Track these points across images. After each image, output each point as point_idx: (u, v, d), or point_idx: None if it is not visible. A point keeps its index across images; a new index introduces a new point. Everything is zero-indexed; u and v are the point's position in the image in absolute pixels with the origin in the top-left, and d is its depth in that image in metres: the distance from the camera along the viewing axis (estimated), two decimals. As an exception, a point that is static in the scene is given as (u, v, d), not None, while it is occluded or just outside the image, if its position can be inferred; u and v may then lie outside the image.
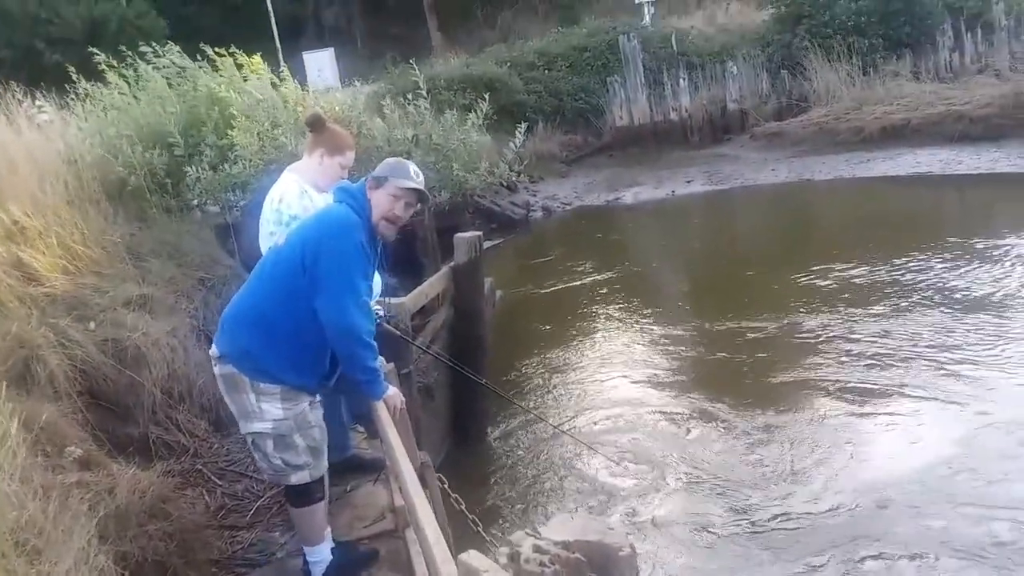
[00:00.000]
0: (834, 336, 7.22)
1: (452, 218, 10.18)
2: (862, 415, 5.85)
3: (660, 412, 6.34)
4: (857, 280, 8.52)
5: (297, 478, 3.16)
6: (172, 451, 4.63)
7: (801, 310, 7.93)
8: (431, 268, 8.85)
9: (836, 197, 13.34)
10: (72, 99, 7.95)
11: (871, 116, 15.79)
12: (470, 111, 8.76)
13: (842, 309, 7.78)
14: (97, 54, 7.51)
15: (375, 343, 3.10)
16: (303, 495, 3.22)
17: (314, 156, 3.95)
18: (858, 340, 7.03)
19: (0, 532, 2.23)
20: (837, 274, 8.75)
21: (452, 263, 6.42)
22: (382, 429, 3.12)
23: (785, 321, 7.72)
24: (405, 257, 8.90)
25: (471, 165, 8.42)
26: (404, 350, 4.70)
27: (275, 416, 3.04)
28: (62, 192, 5.68)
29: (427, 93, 8.55)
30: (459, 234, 6.55)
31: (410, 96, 8.79)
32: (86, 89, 7.71)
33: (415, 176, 3.21)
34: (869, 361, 6.61)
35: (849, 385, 6.28)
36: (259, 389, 3.01)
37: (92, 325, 4.61)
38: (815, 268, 9.03)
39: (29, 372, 3.82)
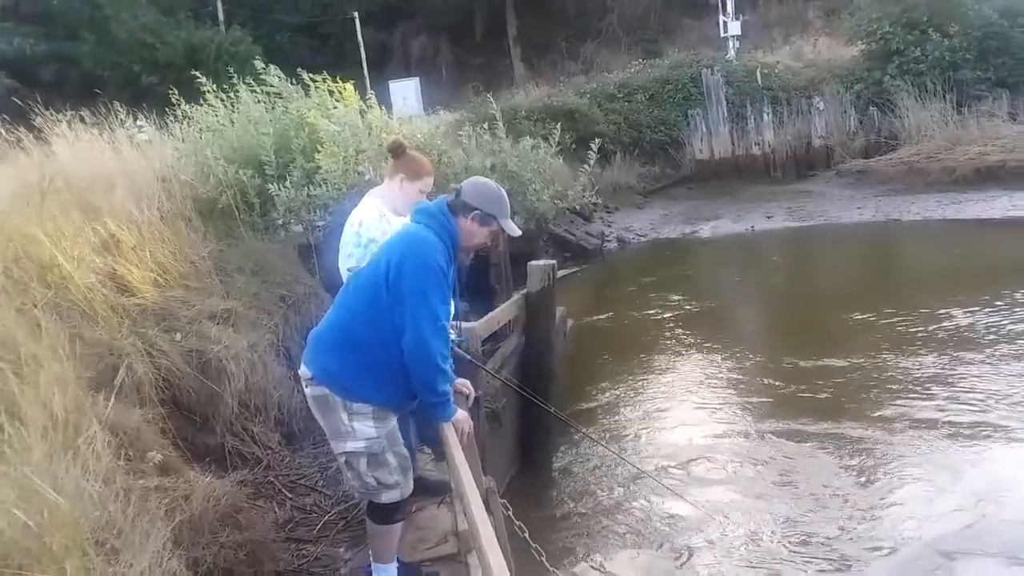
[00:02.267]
0: (920, 378, 6.96)
1: (526, 245, 10.25)
2: (951, 457, 5.62)
3: (729, 450, 6.19)
4: (946, 324, 8.16)
5: (388, 497, 3.20)
6: (246, 462, 4.76)
7: (885, 352, 7.64)
8: (503, 294, 8.91)
9: (925, 238, 12.86)
10: (170, 120, 8.35)
11: (964, 156, 15.22)
12: (548, 140, 8.83)
13: (928, 352, 7.48)
14: (198, 77, 7.89)
15: (449, 367, 3.12)
16: (388, 513, 3.26)
17: (394, 181, 4.03)
18: (944, 383, 6.76)
19: (82, 531, 2.33)
20: (925, 316, 8.41)
21: (525, 290, 6.45)
22: (449, 452, 3.13)
23: (867, 362, 7.46)
24: (477, 282, 8.99)
25: (545, 191, 8.47)
26: (473, 375, 4.73)
27: (368, 435, 3.08)
28: (156, 208, 5.96)
29: (504, 124, 8.65)
30: (533, 262, 6.58)
31: (486, 125, 8.92)
32: (184, 111, 8.09)
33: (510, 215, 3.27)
34: (957, 404, 6.35)
35: (935, 426, 6.05)
36: (351, 409, 3.06)
37: (178, 336, 4.79)
38: (901, 310, 8.71)
39: (117, 379, 3.99)
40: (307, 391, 3.16)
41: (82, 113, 7.57)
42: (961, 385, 6.69)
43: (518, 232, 3.30)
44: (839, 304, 9.70)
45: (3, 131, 6.61)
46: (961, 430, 5.95)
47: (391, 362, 3.04)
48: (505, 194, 3.31)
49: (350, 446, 3.10)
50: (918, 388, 6.78)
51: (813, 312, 9.73)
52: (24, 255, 4.34)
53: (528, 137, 8.32)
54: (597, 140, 8.76)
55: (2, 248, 4.14)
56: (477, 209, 3.16)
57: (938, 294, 9.19)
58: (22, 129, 6.75)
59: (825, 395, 6.92)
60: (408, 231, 3.18)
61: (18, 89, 20.53)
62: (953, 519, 4.86)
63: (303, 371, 3.15)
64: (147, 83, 22.41)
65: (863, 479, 5.49)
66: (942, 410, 6.30)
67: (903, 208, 14.35)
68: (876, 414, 6.41)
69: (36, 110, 7.04)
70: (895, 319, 8.53)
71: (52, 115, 6.98)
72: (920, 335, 8.00)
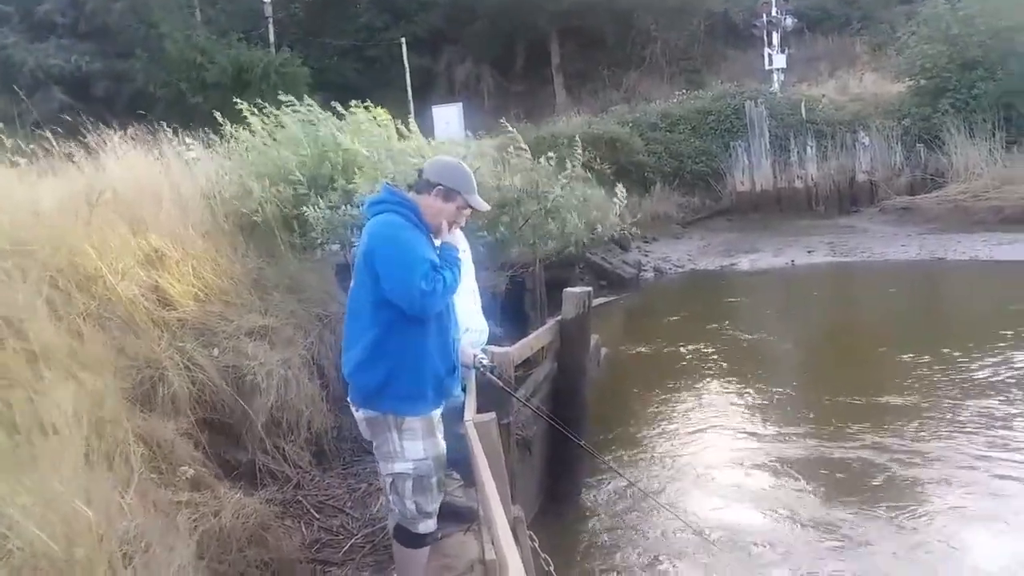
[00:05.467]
0: (963, 420, 6.78)
1: (562, 272, 10.23)
2: (990, 502, 5.45)
3: (761, 491, 6.04)
4: (991, 366, 7.93)
5: (424, 527, 3.24)
6: (276, 479, 4.78)
7: (928, 392, 7.46)
8: (537, 321, 8.88)
9: (971, 278, 12.56)
10: (217, 139, 8.53)
11: (1015, 196, 14.92)
12: (590, 169, 8.81)
13: (972, 394, 7.28)
14: (241, 104, 8.10)
15: (433, 277, 3.01)
16: (420, 538, 3.28)
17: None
18: (987, 426, 6.57)
19: (110, 543, 2.34)
20: (970, 358, 8.19)
21: (560, 317, 6.41)
22: (479, 479, 3.11)
23: (904, 403, 7.29)
24: (512, 308, 8.99)
25: (582, 218, 8.44)
26: (504, 401, 4.70)
27: (416, 456, 3.13)
28: (199, 225, 6.07)
29: (549, 150, 8.67)
30: (568, 289, 6.55)
31: (525, 151, 8.95)
32: (231, 132, 8.27)
33: (476, 190, 3.28)
34: (999, 450, 6.16)
35: (976, 469, 5.91)
36: (401, 425, 3.11)
37: (216, 351, 4.85)
38: (945, 350, 8.50)
39: (154, 391, 4.04)
40: (356, 415, 3.23)
41: (132, 129, 7.78)
42: (1004, 430, 6.49)
43: (486, 207, 3.34)
44: (880, 342, 9.48)
45: (56, 145, 6.79)
46: (997, 472, 5.81)
47: (413, 346, 3.08)
48: (469, 171, 3.32)
49: (399, 467, 3.14)
50: (963, 429, 6.60)
51: (853, 349, 9.52)
52: (70, 266, 4.43)
53: (570, 164, 8.28)
54: (622, 190, 8.67)
55: (49, 258, 4.23)
56: (439, 184, 3.18)
57: (982, 336, 8.95)
58: (73, 144, 6.93)
59: (865, 435, 6.73)
60: (366, 226, 3.22)
61: (71, 104, 21.26)
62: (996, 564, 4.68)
63: (351, 399, 3.23)
64: (197, 101, 22.96)
65: (905, 525, 5.31)
66: (984, 457, 6.12)
67: (949, 247, 14.06)
68: (919, 457, 6.24)
69: (88, 126, 7.23)
70: (939, 359, 8.31)
71: (104, 131, 7.16)
72: (964, 377, 7.78)
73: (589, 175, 9.40)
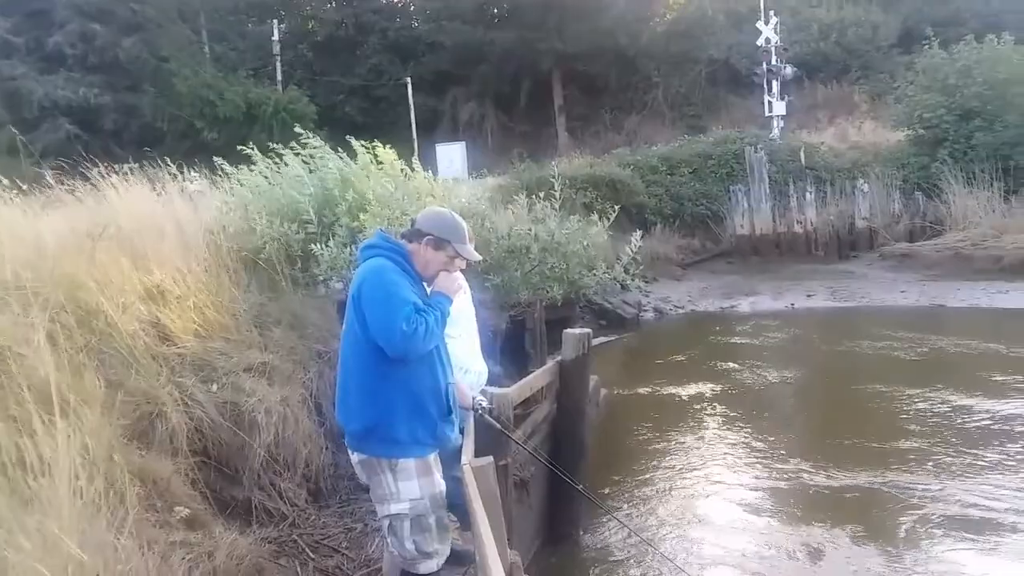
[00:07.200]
0: (970, 468, 6.76)
1: (562, 311, 10.22)
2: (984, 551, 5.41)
3: (759, 537, 6.00)
4: (997, 414, 7.92)
5: (426, 567, 3.22)
6: (271, 517, 4.73)
7: (925, 437, 7.46)
8: (537, 359, 8.86)
9: (971, 326, 12.52)
10: (222, 174, 8.61)
11: (1012, 245, 15.03)
12: (591, 209, 8.85)
13: (978, 443, 7.26)
14: (246, 149, 8.22)
15: (415, 319, 2.99)
16: None
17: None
18: (993, 476, 6.56)
19: (105, 583, 2.32)
20: (968, 407, 8.18)
21: (559, 358, 6.41)
22: (474, 523, 3.08)
23: (907, 447, 7.30)
24: (512, 346, 8.97)
25: (588, 265, 8.47)
26: (503, 442, 4.67)
27: (412, 495, 3.12)
28: (202, 260, 6.09)
29: (556, 191, 8.75)
30: (568, 330, 6.56)
31: (539, 195, 9.04)
32: (234, 170, 8.36)
33: (471, 242, 3.31)
34: (1001, 500, 6.11)
35: (979, 520, 5.88)
36: (395, 467, 3.10)
37: (215, 387, 4.84)
38: (945, 396, 8.50)
39: (152, 427, 4.02)
40: (352, 459, 3.23)
41: (138, 163, 7.86)
42: (1010, 480, 6.45)
43: (477, 257, 3.37)
44: (881, 386, 9.45)
45: (61, 179, 6.86)
46: (1004, 523, 5.77)
47: (405, 387, 3.08)
48: (462, 221, 3.35)
49: (394, 508, 3.13)
50: (966, 474, 6.61)
51: (854, 393, 9.48)
52: (72, 300, 4.44)
53: (571, 205, 8.35)
54: (639, 232, 8.71)
55: (52, 294, 4.24)
56: (430, 235, 3.21)
57: (983, 382, 8.94)
58: (77, 178, 7.00)
59: (866, 480, 6.72)
60: (357, 270, 3.24)
61: (79, 135, 21.49)
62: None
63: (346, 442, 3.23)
64: (206, 136, 23.22)
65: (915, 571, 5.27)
66: (986, 506, 6.10)
67: (948, 294, 14.10)
68: (926, 501, 6.23)
69: (92, 160, 7.30)
70: (940, 404, 8.31)
71: (107, 166, 7.22)
72: (970, 425, 7.78)
73: (596, 221, 9.45)
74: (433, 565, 3.21)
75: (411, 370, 3.08)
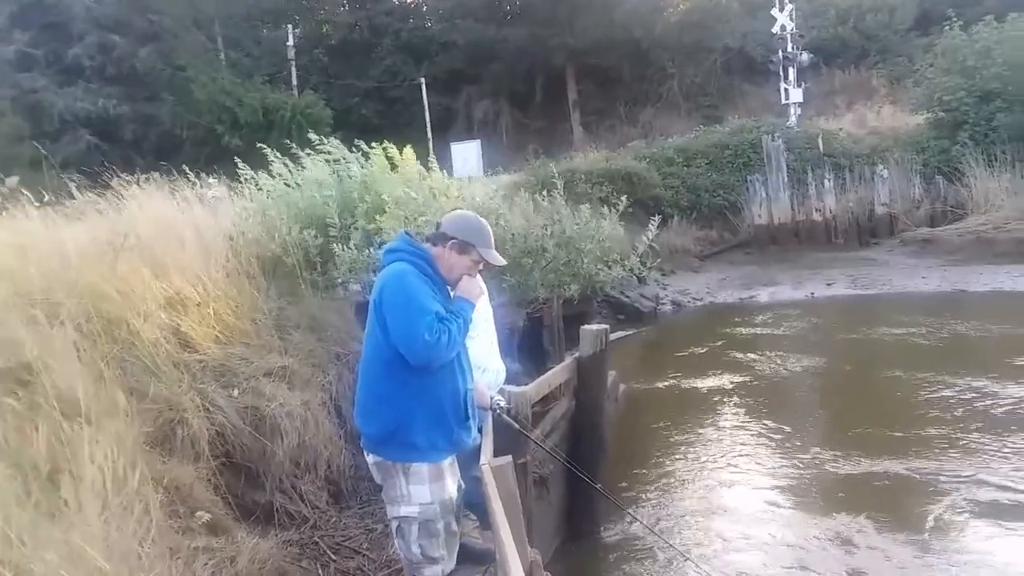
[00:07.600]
0: (999, 454, 6.66)
1: (579, 306, 10.22)
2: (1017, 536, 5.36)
3: (782, 531, 5.95)
4: (1014, 399, 7.83)
5: (430, 572, 3.24)
6: (293, 520, 4.79)
7: (952, 425, 7.36)
8: (555, 356, 8.88)
9: (994, 310, 12.35)
10: (242, 180, 8.69)
11: (1035, 228, 14.80)
12: (606, 204, 8.85)
13: (1007, 430, 7.14)
14: (265, 149, 8.27)
15: (438, 328, 3.01)
16: None
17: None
18: (1014, 467, 6.45)
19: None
20: (994, 392, 8.08)
21: (577, 354, 6.42)
22: (494, 522, 3.11)
23: (932, 434, 7.22)
24: (530, 343, 9.00)
25: (603, 259, 8.47)
26: (521, 440, 4.70)
27: (423, 500, 3.15)
28: (221, 266, 6.16)
29: (562, 186, 8.75)
30: (586, 326, 6.57)
31: (546, 191, 9.03)
32: (253, 176, 8.43)
33: (493, 245, 3.32)
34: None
35: (1005, 508, 5.80)
36: (408, 471, 3.14)
37: (235, 392, 4.90)
38: (969, 382, 8.39)
39: (174, 434, 4.09)
40: (368, 460, 3.28)
41: (157, 172, 7.95)
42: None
43: (502, 262, 3.40)
44: (903, 373, 9.37)
45: (81, 190, 6.96)
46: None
47: (427, 395, 3.11)
48: (486, 225, 3.36)
49: (404, 510, 3.16)
50: (996, 465, 6.52)
51: (876, 381, 9.42)
52: (95, 310, 4.52)
53: (587, 201, 8.33)
54: (657, 217, 8.68)
55: (76, 304, 4.32)
56: (454, 238, 3.23)
57: (1008, 369, 8.83)
58: (98, 189, 7.10)
59: (890, 470, 6.65)
60: (379, 275, 3.26)
61: (99, 146, 21.76)
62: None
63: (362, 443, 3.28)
64: (226, 143, 23.42)
65: (938, 565, 5.22)
66: (1019, 491, 6.02)
67: (971, 279, 13.92)
68: (951, 493, 6.14)
69: (113, 170, 7.40)
70: (964, 391, 8.22)
71: (127, 176, 7.31)
72: (996, 410, 7.70)
73: (611, 213, 9.45)
74: (438, 571, 3.22)
75: (431, 377, 3.10)
